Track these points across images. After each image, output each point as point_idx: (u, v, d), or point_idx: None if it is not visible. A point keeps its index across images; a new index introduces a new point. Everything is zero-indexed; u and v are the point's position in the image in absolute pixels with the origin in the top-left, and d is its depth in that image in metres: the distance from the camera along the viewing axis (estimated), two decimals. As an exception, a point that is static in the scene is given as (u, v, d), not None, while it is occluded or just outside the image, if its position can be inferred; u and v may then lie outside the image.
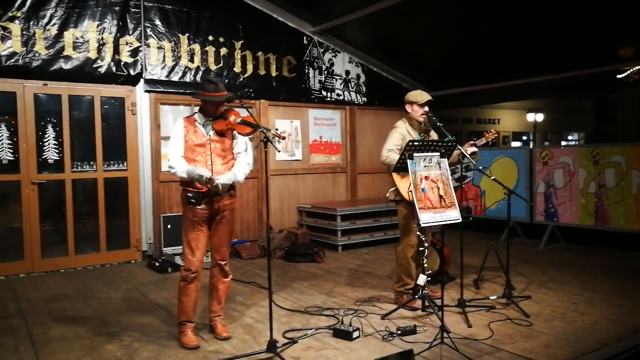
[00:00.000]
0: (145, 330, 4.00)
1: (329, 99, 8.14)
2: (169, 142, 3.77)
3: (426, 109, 4.41)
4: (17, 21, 5.62)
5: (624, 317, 4.11)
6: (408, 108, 4.49)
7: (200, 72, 6.79)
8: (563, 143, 25.55)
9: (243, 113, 3.78)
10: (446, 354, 3.35)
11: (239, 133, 3.73)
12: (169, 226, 6.49)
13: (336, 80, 8.21)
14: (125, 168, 6.44)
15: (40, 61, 5.76)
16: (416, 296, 4.29)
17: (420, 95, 4.42)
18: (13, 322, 4.23)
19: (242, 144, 3.82)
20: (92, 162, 6.24)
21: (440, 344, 3.42)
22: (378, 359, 2.93)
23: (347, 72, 8.36)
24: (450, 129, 4.36)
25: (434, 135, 4.57)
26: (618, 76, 6.95)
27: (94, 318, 4.32)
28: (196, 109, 6.52)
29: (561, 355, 3.37)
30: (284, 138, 3.76)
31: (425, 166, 3.39)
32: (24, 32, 5.65)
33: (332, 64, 8.16)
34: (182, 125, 3.70)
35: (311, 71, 7.92)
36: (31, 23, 5.69)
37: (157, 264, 6.08)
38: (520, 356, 3.35)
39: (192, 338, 3.66)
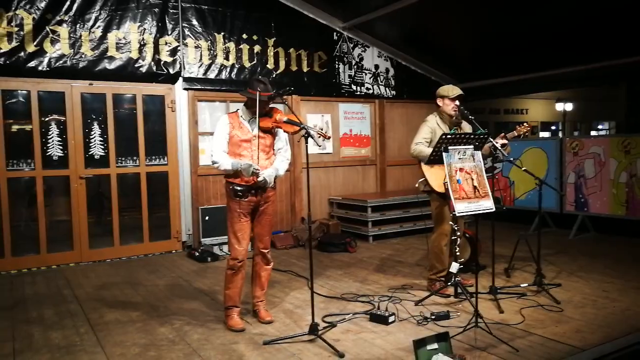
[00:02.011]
0: (193, 314, 4.27)
1: (358, 93, 8.31)
2: (213, 137, 3.98)
3: (457, 102, 4.55)
4: (64, 24, 5.94)
5: (655, 304, 4.20)
6: (439, 102, 4.63)
7: (235, 70, 7.04)
8: (593, 133, 25.08)
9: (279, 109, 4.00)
10: (480, 337, 3.52)
11: (284, 131, 3.94)
12: (207, 218, 6.77)
13: (366, 74, 8.37)
14: (166, 163, 6.75)
15: (86, 62, 6.08)
16: (449, 283, 4.46)
17: (451, 90, 4.56)
18: (70, 307, 4.56)
19: (283, 141, 4.04)
20: (135, 158, 6.56)
21: (474, 327, 3.59)
22: (416, 340, 3.11)
23: (377, 67, 8.50)
24: (477, 120, 4.48)
25: (465, 128, 4.71)
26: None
27: (143, 304, 4.62)
28: (232, 105, 6.88)
29: (592, 339, 3.49)
30: (328, 138, 3.96)
31: (459, 158, 3.55)
32: (71, 35, 5.98)
33: (361, 59, 8.32)
34: (227, 122, 3.90)
35: (341, 66, 8.09)
36: (77, 26, 6.01)
37: (197, 253, 6.37)
38: (552, 340, 3.49)
39: (238, 321, 3.91)
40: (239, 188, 3.81)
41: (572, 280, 4.96)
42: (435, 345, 3.13)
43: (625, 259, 5.76)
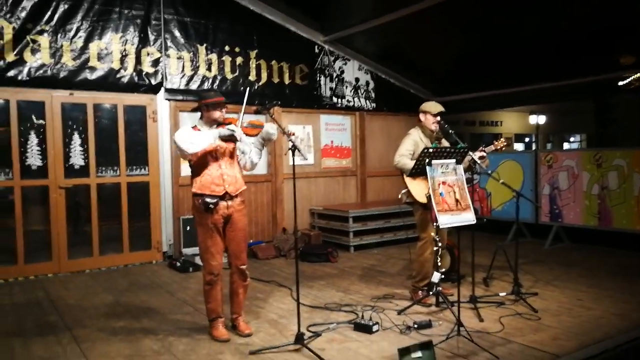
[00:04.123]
0: (177, 325, 4.27)
1: (339, 105, 8.43)
2: (179, 132, 3.86)
3: (438, 118, 4.70)
4: (45, 34, 5.90)
5: (628, 311, 4.35)
6: (422, 117, 4.76)
7: (218, 81, 7.07)
8: (565, 145, 25.75)
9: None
10: (462, 345, 3.61)
11: (248, 135, 3.95)
12: (187, 228, 6.75)
13: (346, 87, 8.50)
14: (147, 173, 6.72)
15: (67, 72, 6.04)
16: (430, 293, 4.55)
17: (434, 106, 4.72)
18: (51, 318, 4.50)
19: (249, 145, 4.07)
20: (115, 168, 6.52)
21: (456, 335, 3.68)
22: (400, 348, 3.18)
23: (357, 79, 8.64)
24: (453, 131, 4.63)
25: (446, 142, 4.85)
26: (619, 83, 7.21)
27: (126, 315, 4.59)
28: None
29: (568, 346, 3.62)
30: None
31: (442, 172, 3.67)
32: (52, 45, 5.94)
33: (342, 72, 8.45)
34: (192, 129, 3.91)
35: (322, 78, 8.21)
36: (59, 36, 5.97)
37: (179, 264, 6.34)
38: (530, 347, 3.61)
39: (224, 332, 3.92)
40: (209, 200, 3.81)
41: (548, 290, 5.10)
42: (419, 354, 3.21)
43: (598, 268, 5.96)
